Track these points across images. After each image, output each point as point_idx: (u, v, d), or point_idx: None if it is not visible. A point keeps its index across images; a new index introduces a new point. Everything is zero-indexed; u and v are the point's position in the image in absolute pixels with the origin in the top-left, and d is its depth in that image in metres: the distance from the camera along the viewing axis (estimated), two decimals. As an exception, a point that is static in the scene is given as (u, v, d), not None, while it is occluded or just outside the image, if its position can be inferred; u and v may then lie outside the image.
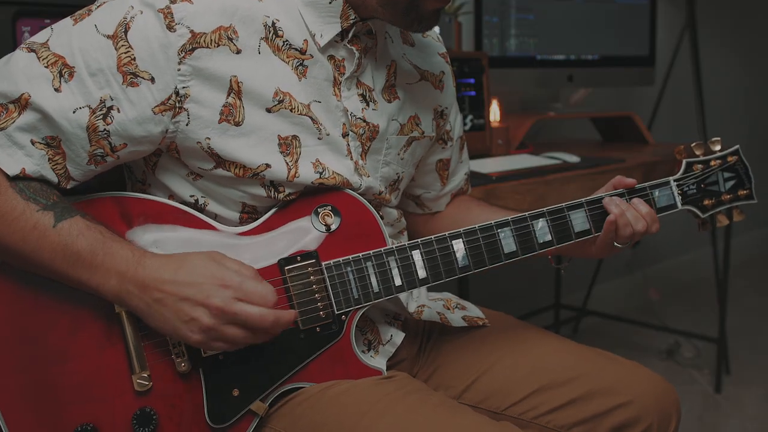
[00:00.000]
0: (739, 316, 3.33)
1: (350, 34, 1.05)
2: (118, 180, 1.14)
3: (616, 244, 1.14)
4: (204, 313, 0.91)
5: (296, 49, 1.03)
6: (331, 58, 1.06)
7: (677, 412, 1.14)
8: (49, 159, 0.96)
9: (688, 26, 2.82)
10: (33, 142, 0.95)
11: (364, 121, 1.09)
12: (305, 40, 1.03)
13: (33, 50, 0.96)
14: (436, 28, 2.00)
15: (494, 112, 2.22)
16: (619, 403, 1.09)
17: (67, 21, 0.98)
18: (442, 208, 1.36)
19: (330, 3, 1.03)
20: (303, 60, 1.03)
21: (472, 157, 2.00)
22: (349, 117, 1.07)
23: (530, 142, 2.37)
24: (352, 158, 1.08)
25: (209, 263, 0.93)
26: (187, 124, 0.97)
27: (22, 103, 0.94)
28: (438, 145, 1.29)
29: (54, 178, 0.97)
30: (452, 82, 1.28)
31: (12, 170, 0.94)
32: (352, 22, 1.04)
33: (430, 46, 1.25)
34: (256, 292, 0.92)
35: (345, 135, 1.07)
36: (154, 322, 0.93)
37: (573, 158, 1.96)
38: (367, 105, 1.10)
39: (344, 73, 1.07)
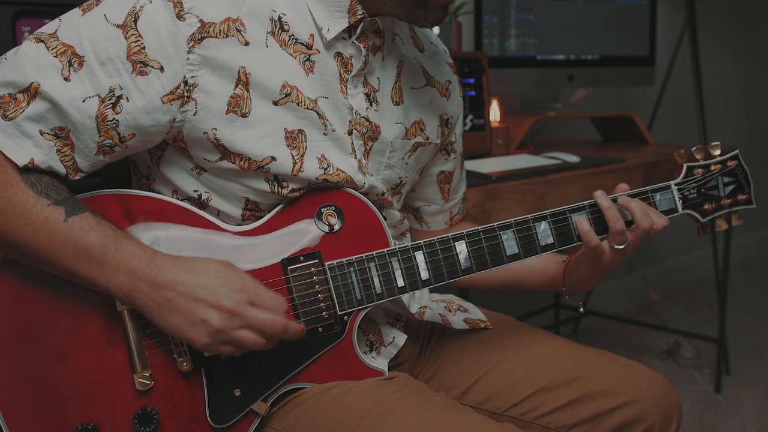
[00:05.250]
0: (739, 316, 3.33)
1: (358, 31, 1.05)
2: (124, 175, 1.14)
3: (614, 246, 1.09)
4: (214, 315, 0.90)
5: (302, 44, 1.02)
6: (338, 55, 1.05)
7: (678, 412, 1.14)
8: (57, 150, 0.96)
9: (688, 26, 2.82)
10: (41, 133, 0.95)
11: (368, 120, 1.09)
12: (311, 35, 1.03)
13: (41, 40, 0.95)
14: (436, 30, 2.01)
15: (494, 112, 2.21)
16: (620, 404, 1.09)
17: (76, 11, 0.98)
18: (440, 226, 1.34)
19: None
20: (309, 55, 1.03)
21: (473, 157, 2.00)
22: (354, 115, 1.07)
23: (530, 142, 2.37)
24: (356, 156, 1.08)
25: (222, 268, 0.93)
26: (194, 114, 0.97)
27: (31, 93, 0.94)
28: (441, 156, 1.28)
29: (62, 170, 0.97)
30: (459, 93, 1.27)
31: (21, 161, 0.94)
32: (359, 17, 1.04)
33: (439, 54, 1.25)
34: (270, 299, 0.93)
35: (349, 133, 1.07)
36: (162, 321, 0.92)
37: (573, 158, 1.96)
38: (371, 105, 1.10)
39: (351, 71, 1.07)
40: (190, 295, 0.90)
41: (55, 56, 0.94)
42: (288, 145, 1.01)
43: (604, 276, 1.16)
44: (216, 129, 0.98)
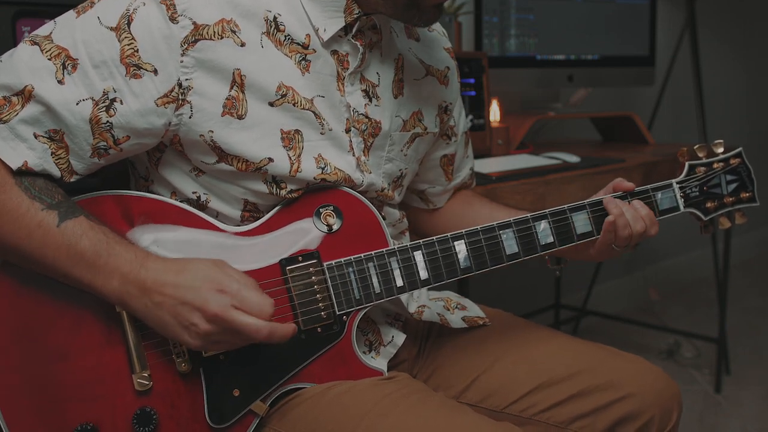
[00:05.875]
0: (739, 316, 3.33)
1: (354, 29, 1.05)
2: (122, 176, 1.14)
3: (614, 246, 1.13)
4: (201, 319, 0.90)
5: (298, 44, 1.02)
6: (334, 53, 1.05)
7: (678, 405, 1.14)
8: (51, 153, 0.96)
9: (688, 26, 2.82)
10: (36, 136, 0.95)
11: (367, 117, 1.09)
12: (307, 35, 1.03)
13: (36, 43, 0.96)
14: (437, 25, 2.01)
15: (494, 112, 2.21)
16: (620, 397, 1.09)
17: (70, 14, 0.98)
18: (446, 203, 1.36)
19: None
20: (306, 54, 1.03)
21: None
22: (352, 113, 1.07)
23: (530, 142, 2.37)
24: (354, 154, 1.08)
25: (211, 268, 0.93)
26: (190, 117, 0.97)
27: (25, 96, 0.94)
28: (442, 141, 1.29)
29: (57, 172, 0.97)
30: (457, 78, 1.28)
31: (15, 163, 0.94)
32: (356, 16, 1.04)
33: (435, 40, 1.25)
34: (254, 302, 0.91)
35: (347, 131, 1.07)
36: (154, 324, 0.93)
37: (573, 158, 1.96)
38: (370, 101, 1.09)
39: (348, 68, 1.06)
40: (177, 299, 0.91)
41: (49, 59, 0.94)
42: (284, 146, 1.01)
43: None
44: (212, 131, 0.98)
